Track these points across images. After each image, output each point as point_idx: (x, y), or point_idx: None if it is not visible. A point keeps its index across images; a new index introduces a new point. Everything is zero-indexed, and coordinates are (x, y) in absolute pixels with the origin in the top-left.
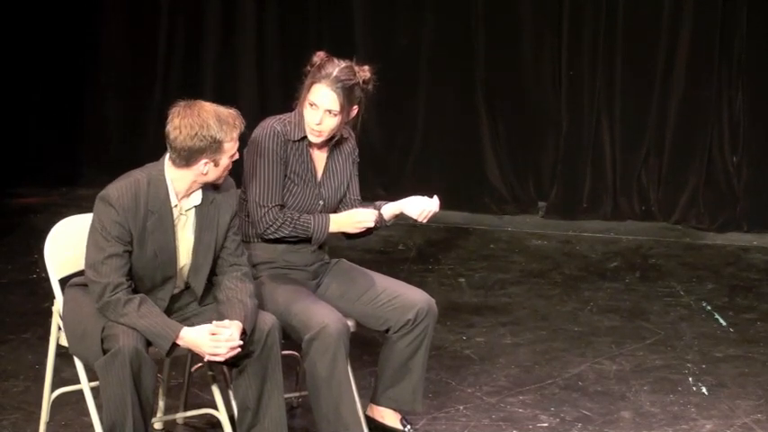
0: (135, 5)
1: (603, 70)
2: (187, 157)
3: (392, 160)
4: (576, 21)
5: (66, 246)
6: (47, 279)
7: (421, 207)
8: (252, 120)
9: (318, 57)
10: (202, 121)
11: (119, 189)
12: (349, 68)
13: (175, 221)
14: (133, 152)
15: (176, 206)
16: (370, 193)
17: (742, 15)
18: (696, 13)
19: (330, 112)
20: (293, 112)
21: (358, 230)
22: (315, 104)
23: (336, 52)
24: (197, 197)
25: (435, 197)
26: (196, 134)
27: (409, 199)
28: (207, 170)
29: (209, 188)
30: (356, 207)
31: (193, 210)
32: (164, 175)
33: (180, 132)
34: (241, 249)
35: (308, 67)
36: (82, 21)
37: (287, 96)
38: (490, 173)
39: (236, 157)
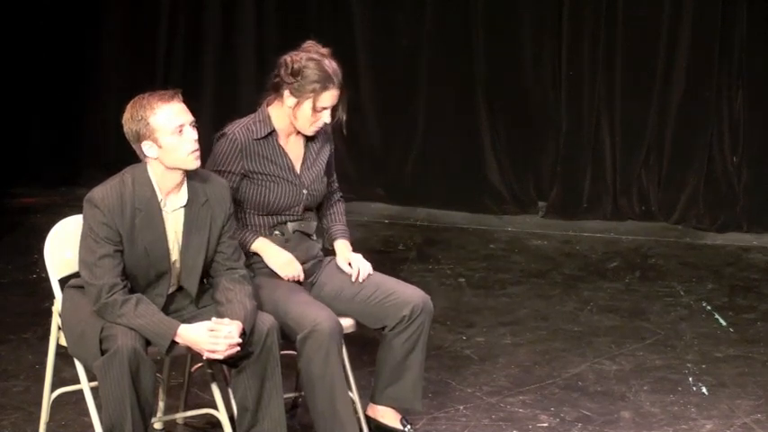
0: (135, 5)
1: (603, 70)
2: (135, 147)
3: (392, 160)
4: (576, 21)
5: (66, 246)
6: (47, 279)
7: (355, 266)
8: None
9: (297, 61)
10: (133, 105)
11: (103, 190)
12: (331, 56)
13: (165, 217)
14: (133, 152)
15: (162, 200)
16: (370, 193)
17: (742, 15)
18: (696, 14)
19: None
20: (255, 113)
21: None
22: (327, 107)
23: (336, 52)
24: (183, 196)
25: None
26: (130, 117)
27: (353, 255)
28: (157, 154)
29: (200, 188)
30: (332, 191)
31: (182, 210)
32: (147, 172)
33: (123, 121)
34: (238, 254)
35: (288, 74)
36: (82, 21)
37: None
38: (490, 173)
39: (192, 136)
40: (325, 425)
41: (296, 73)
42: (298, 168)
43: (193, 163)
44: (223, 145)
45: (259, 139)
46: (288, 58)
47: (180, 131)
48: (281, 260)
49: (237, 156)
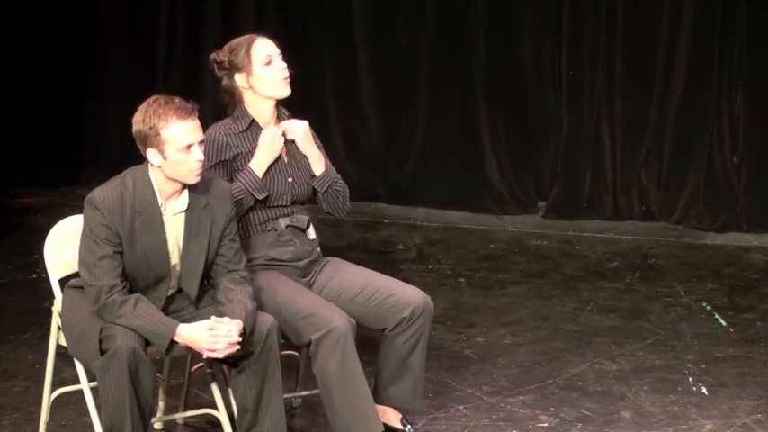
0: (135, 5)
1: (603, 70)
2: (141, 148)
3: (392, 160)
4: (576, 21)
5: (66, 246)
6: (47, 279)
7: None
8: None
9: (220, 52)
10: (148, 108)
11: (104, 191)
12: None
13: (165, 221)
14: (133, 153)
15: (162, 205)
16: (371, 193)
17: (742, 15)
18: (696, 14)
19: (280, 54)
20: (231, 116)
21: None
22: (270, 55)
23: (336, 52)
24: (183, 201)
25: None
26: (142, 120)
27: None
28: (159, 163)
29: (201, 191)
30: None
31: (182, 214)
32: (149, 176)
33: (134, 120)
34: (239, 256)
35: (223, 63)
36: (82, 21)
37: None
38: (490, 173)
39: (197, 156)
40: (344, 425)
41: (225, 56)
42: (285, 158)
43: (193, 180)
44: (205, 146)
45: (240, 133)
46: (212, 57)
47: (188, 150)
48: (266, 144)
49: (224, 150)
